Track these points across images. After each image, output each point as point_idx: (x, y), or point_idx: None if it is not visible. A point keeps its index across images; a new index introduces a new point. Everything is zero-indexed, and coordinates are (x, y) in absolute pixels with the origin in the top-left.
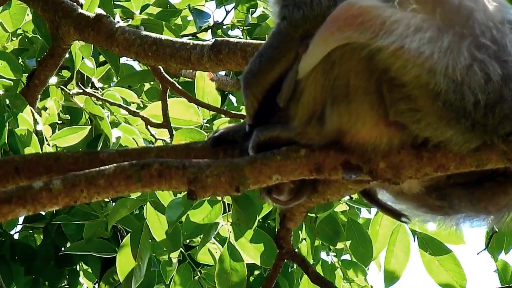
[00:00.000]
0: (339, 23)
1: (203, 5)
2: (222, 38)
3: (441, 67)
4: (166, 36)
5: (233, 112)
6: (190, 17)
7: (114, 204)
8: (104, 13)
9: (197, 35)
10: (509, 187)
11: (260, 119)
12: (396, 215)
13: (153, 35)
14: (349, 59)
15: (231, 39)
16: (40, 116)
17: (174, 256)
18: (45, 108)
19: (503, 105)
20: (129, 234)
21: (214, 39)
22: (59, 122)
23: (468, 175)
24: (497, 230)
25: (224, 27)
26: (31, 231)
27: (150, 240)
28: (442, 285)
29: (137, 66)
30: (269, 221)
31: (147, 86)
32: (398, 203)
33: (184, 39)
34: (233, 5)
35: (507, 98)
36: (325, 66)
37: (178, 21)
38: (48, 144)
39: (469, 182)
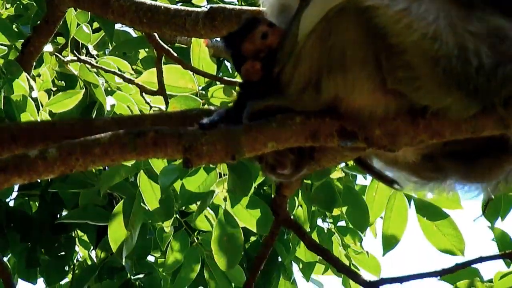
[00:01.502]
0: None
1: None
2: (217, 5)
3: (445, 32)
4: (161, 3)
5: (228, 79)
6: None
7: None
8: None
9: (192, 1)
10: (504, 161)
11: (253, 90)
12: (389, 181)
13: (148, 1)
14: (347, 27)
15: (226, 6)
16: (35, 81)
17: (167, 225)
18: (40, 75)
19: (506, 66)
20: (121, 202)
21: (209, 6)
22: (54, 89)
23: (464, 142)
24: (492, 196)
25: None
26: (26, 198)
27: (145, 207)
28: (441, 250)
29: (132, 32)
30: (264, 188)
31: (142, 54)
32: (390, 171)
33: (179, 6)
34: None
35: (510, 60)
36: (322, 33)
37: None
38: (44, 111)
39: (464, 152)
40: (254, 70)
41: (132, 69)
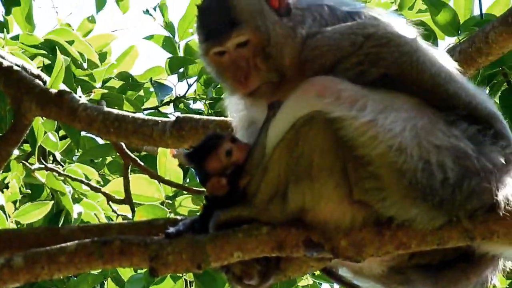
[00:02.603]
0: (317, 90)
1: (165, 79)
2: (184, 115)
3: (411, 145)
4: (129, 112)
5: (195, 188)
6: (152, 89)
7: (75, 278)
8: (67, 89)
9: (159, 108)
10: (470, 273)
11: (219, 203)
12: None
13: (116, 111)
14: (315, 137)
15: (193, 116)
16: (2, 192)
17: None
18: (6, 186)
19: (472, 180)
20: None
21: (176, 116)
22: (20, 196)
23: (430, 254)
24: None
25: (186, 100)
26: None
27: None
28: None
29: (99, 139)
30: None
31: (109, 159)
32: (358, 281)
33: (146, 116)
34: (195, 78)
35: (475, 173)
36: (290, 143)
37: (141, 92)
38: (12, 222)
39: (431, 265)
40: (220, 186)
41: (100, 174)
